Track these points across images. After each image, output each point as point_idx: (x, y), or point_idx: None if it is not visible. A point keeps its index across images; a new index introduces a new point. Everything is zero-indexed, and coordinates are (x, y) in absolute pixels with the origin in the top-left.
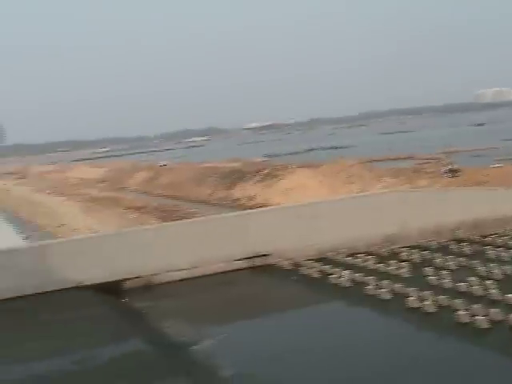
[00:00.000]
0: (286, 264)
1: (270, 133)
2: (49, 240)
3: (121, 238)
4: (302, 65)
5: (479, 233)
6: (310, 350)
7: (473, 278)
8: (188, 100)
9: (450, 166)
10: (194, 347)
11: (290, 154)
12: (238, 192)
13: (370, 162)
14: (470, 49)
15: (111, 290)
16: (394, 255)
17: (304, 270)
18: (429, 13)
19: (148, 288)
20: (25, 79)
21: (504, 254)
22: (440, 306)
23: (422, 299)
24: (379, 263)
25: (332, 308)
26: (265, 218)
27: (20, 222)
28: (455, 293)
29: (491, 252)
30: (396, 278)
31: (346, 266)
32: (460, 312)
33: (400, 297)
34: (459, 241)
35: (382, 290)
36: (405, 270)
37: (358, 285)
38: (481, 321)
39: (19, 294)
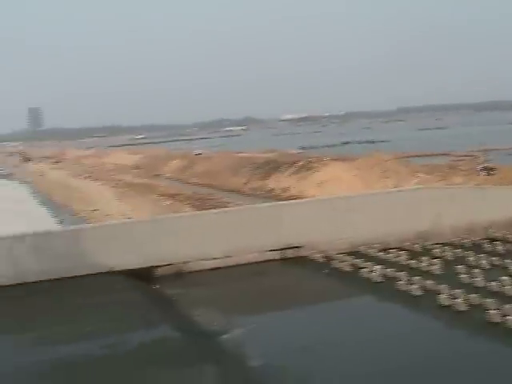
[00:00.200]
0: (318, 257)
1: (306, 125)
2: (82, 224)
3: (154, 224)
4: (340, 58)
5: None
6: (340, 344)
7: (505, 278)
8: (226, 90)
9: (485, 164)
10: (224, 336)
11: (326, 146)
12: (273, 183)
13: (406, 157)
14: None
15: (143, 276)
16: (427, 252)
17: (336, 264)
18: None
19: (179, 275)
20: (62, 63)
21: None
22: (471, 305)
23: (453, 297)
24: (411, 259)
25: (363, 302)
26: (299, 209)
27: (55, 206)
28: (487, 292)
29: None
30: (428, 274)
31: (378, 261)
32: (491, 311)
33: (431, 293)
34: (492, 239)
35: (414, 286)
36: (437, 267)
37: (390, 280)
38: None
39: (52, 277)
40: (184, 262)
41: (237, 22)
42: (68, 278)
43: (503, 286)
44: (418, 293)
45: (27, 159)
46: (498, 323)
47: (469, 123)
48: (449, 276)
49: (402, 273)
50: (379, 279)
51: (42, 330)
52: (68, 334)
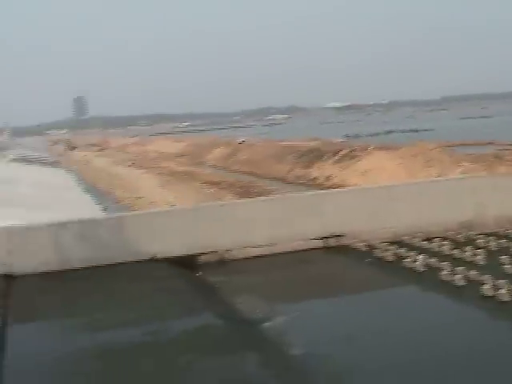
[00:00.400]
0: (360, 245)
1: (350, 113)
2: (126, 212)
3: (198, 212)
4: (384, 46)
5: None
6: (383, 333)
7: None
8: (270, 78)
9: None
10: (266, 324)
11: (370, 135)
12: (316, 171)
13: (450, 146)
14: None
15: (186, 263)
16: (470, 242)
17: (378, 253)
18: None
19: (222, 263)
20: (108, 53)
21: None
22: None
23: (497, 287)
24: (454, 249)
25: (406, 292)
26: (341, 198)
27: (99, 193)
28: None
29: None
30: (471, 264)
31: (421, 251)
32: None
33: (475, 284)
34: None
35: (457, 277)
36: (480, 257)
37: (433, 270)
38: None
39: (96, 264)
40: (227, 250)
41: (283, 15)
42: (111, 264)
43: None
44: (462, 283)
45: (72, 147)
46: None
47: None
48: (492, 266)
49: (445, 263)
50: (422, 269)
51: (85, 316)
52: (111, 321)
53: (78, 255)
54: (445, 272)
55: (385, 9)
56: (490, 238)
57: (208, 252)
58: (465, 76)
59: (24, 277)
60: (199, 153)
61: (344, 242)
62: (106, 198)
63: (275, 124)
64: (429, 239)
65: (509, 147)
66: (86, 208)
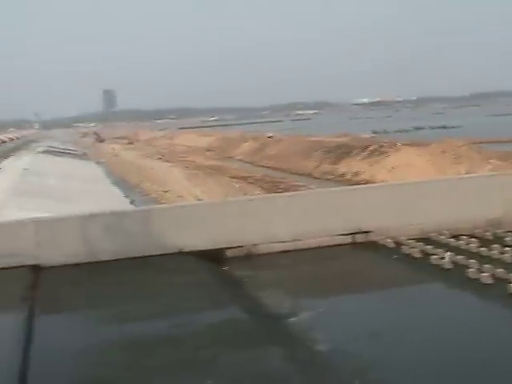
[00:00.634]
0: (387, 242)
1: (379, 109)
2: (154, 205)
3: (225, 206)
4: (412, 43)
5: None
6: (409, 330)
7: None
8: (300, 73)
9: None
10: (292, 319)
11: (398, 131)
12: (344, 167)
13: (479, 143)
14: None
15: (212, 257)
16: (498, 239)
17: (406, 249)
18: None
19: (249, 258)
20: (137, 46)
21: None
22: None
23: None
24: (482, 246)
25: (433, 289)
26: (369, 194)
27: (127, 186)
28: None
29: None
30: (499, 262)
31: (449, 248)
32: None
33: (502, 282)
34: None
35: (484, 274)
36: (508, 255)
37: (460, 267)
38: None
39: (124, 256)
40: (253, 244)
41: (311, 13)
42: (138, 257)
43: None
44: (489, 281)
45: (101, 140)
46: None
47: None
48: None
49: (473, 260)
50: (449, 266)
51: (111, 308)
52: (137, 313)
53: (106, 247)
54: (472, 270)
55: (413, 3)
56: None
57: (235, 246)
58: (495, 72)
59: (51, 268)
60: (227, 147)
61: (371, 238)
62: (134, 191)
63: (303, 119)
64: (456, 236)
65: None
66: (114, 200)
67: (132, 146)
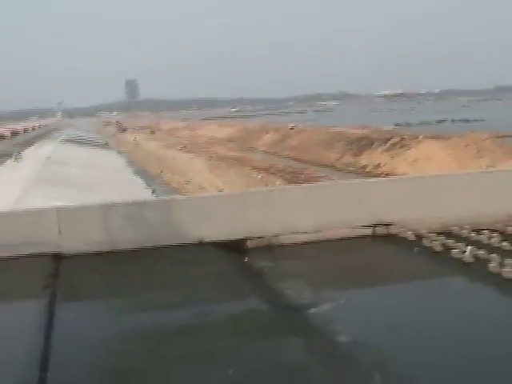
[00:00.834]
0: (408, 235)
1: (402, 101)
2: (175, 195)
3: (246, 197)
4: (438, 36)
5: None
6: (429, 323)
7: None
8: (323, 65)
9: None
10: (312, 310)
11: (420, 124)
12: (365, 159)
13: (501, 137)
14: None
15: (233, 248)
16: None
17: (427, 243)
18: None
19: (269, 248)
20: (161, 37)
21: None
22: None
23: None
24: (504, 241)
25: (453, 283)
26: (390, 186)
27: (148, 176)
28: None
29: None
30: None
31: (470, 242)
32: None
33: None
34: None
35: (506, 269)
36: None
37: (481, 261)
38: None
39: (144, 246)
40: (274, 235)
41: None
42: (159, 247)
43: None
44: (510, 275)
45: (123, 129)
46: None
47: None
48: None
49: (494, 255)
50: (470, 260)
51: (132, 297)
52: (158, 302)
53: (127, 237)
54: (493, 264)
55: None
56: None
57: (255, 237)
58: None
59: (73, 257)
60: (249, 138)
61: (392, 230)
62: (155, 181)
63: (325, 110)
64: (477, 230)
65: None
66: (136, 190)
67: (154, 135)
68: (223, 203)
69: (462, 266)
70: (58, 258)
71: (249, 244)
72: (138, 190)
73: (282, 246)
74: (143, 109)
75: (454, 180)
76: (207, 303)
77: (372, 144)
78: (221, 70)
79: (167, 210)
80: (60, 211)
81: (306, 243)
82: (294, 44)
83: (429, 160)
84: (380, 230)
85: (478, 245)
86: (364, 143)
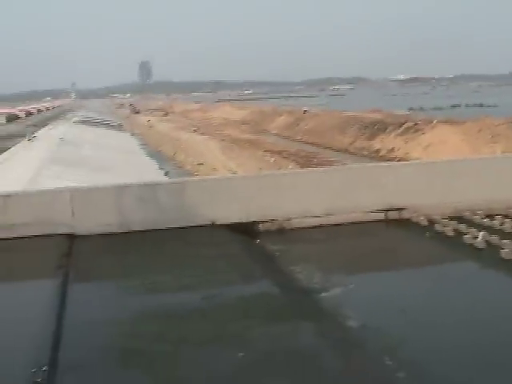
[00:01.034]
0: (420, 220)
1: (415, 86)
2: (188, 177)
3: (258, 180)
4: (449, 19)
5: None
6: (440, 310)
7: None
8: (336, 48)
9: None
10: (323, 294)
11: (434, 108)
12: (379, 143)
13: None
14: None
15: (245, 230)
16: None
17: (439, 228)
18: None
19: (281, 232)
20: (173, 19)
21: None
22: None
23: None
24: None
25: (465, 268)
26: (403, 171)
27: (161, 158)
28: None
29: None
30: None
31: (482, 227)
32: None
33: None
34: None
35: None
36: None
37: (493, 247)
38: None
39: (156, 227)
40: (286, 219)
41: None
42: (171, 228)
43: None
44: None
45: (136, 111)
46: None
47: None
48: None
49: (506, 241)
50: (482, 246)
51: (143, 279)
52: (168, 284)
53: (139, 218)
54: (505, 250)
55: None
56: None
57: (268, 220)
58: None
59: (85, 237)
60: (262, 121)
61: (404, 215)
62: (168, 163)
63: (339, 95)
64: (490, 216)
65: None
66: (149, 172)
67: (167, 117)
68: (236, 186)
69: (473, 252)
70: (71, 238)
71: (261, 227)
72: (151, 172)
73: (293, 229)
74: (157, 90)
75: (468, 165)
76: (218, 285)
77: (386, 128)
78: (233, 52)
79: (180, 192)
80: (73, 192)
81: (317, 227)
82: (305, 26)
83: (442, 145)
84: (392, 215)
85: (490, 230)
86: (378, 127)
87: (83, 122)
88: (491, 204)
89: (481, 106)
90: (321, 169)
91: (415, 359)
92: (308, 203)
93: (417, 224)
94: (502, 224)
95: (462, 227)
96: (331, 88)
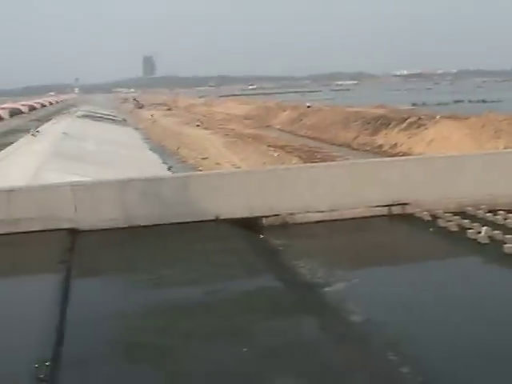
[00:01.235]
0: (424, 215)
1: (419, 81)
2: (191, 172)
3: (262, 175)
4: (452, 14)
5: None
6: (442, 304)
7: None
8: (340, 44)
9: None
10: (326, 289)
11: (438, 104)
12: (382, 139)
13: None
14: None
15: (249, 225)
16: None
17: (442, 223)
18: None
19: (285, 226)
20: (179, 14)
21: None
22: None
23: None
24: None
25: (468, 263)
26: (406, 166)
27: (165, 153)
28: None
29: None
30: None
31: (486, 222)
32: None
33: None
34: None
35: None
36: None
37: (496, 242)
38: None
39: (160, 222)
40: (290, 214)
41: None
42: (175, 223)
43: None
44: None
45: (140, 106)
46: None
47: None
48: None
49: (509, 236)
50: (485, 241)
51: (147, 273)
52: (172, 278)
53: (143, 213)
54: (508, 245)
55: None
56: None
57: (271, 215)
58: None
59: (89, 232)
60: (266, 116)
61: (408, 210)
62: (172, 158)
63: (342, 90)
64: (493, 211)
65: None
66: (152, 166)
67: (171, 112)
68: (239, 180)
69: (477, 247)
70: (74, 232)
71: (264, 222)
72: (154, 167)
73: (297, 224)
74: (160, 85)
75: (471, 160)
76: (222, 280)
77: (389, 124)
78: (237, 46)
79: (183, 187)
80: (76, 187)
81: (321, 222)
82: (312, 22)
83: (446, 140)
84: (396, 210)
85: (493, 225)
86: (381, 123)
87: (87, 117)
88: (494, 199)
89: (484, 101)
90: (324, 164)
91: (419, 354)
92: (311, 198)
93: (420, 219)
94: (505, 219)
95: (466, 222)
96: (335, 83)
